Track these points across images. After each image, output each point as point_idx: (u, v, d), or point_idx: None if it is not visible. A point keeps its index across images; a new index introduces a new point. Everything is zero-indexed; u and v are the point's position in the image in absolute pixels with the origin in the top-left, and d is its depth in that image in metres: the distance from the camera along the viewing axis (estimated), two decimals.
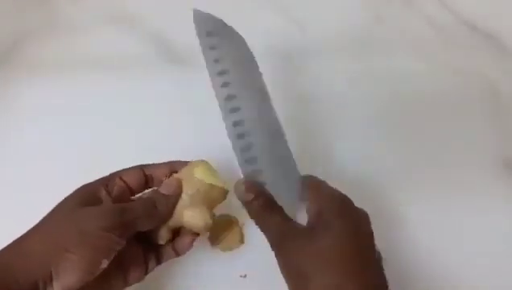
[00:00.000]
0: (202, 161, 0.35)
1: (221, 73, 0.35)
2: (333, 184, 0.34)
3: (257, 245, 0.34)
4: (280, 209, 0.33)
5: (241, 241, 0.40)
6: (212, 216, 0.34)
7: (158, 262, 0.35)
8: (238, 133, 0.34)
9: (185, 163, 0.35)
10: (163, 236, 0.34)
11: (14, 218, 0.31)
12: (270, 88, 0.36)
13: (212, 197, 0.34)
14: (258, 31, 0.56)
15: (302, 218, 0.33)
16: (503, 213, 0.44)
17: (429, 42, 0.57)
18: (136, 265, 0.33)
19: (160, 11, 0.57)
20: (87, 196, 0.32)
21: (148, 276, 0.34)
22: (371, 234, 0.32)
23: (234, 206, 0.35)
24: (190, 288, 0.39)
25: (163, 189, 0.33)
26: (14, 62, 0.52)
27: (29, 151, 0.46)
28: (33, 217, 0.30)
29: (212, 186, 0.34)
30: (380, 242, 0.32)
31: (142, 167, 0.35)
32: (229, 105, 0.34)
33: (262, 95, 0.36)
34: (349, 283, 0.29)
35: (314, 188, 0.34)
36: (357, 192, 0.34)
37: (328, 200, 0.33)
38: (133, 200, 0.34)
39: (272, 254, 0.32)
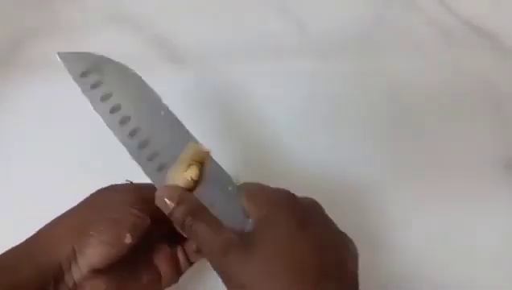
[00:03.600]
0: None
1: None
2: (329, 185, 0.34)
3: None
4: (208, 217, 0.29)
5: None
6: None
7: (189, 261, 0.34)
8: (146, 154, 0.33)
9: None
10: None
11: (15, 219, 0.31)
12: (270, 88, 0.36)
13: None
14: (257, 32, 0.56)
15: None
16: (503, 213, 0.44)
17: (429, 42, 0.57)
18: (167, 263, 0.33)
19: (161, 11, 0.57)
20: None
21: None
22: (322, 223, 0.30)
23: None
24: (190, 288, 0.39)
25: None
26: (14, 62, 0.52)
27: (29, 151, 0.46)
28: (33, 218, 0.30)
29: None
30: (377, 244, 0.32)
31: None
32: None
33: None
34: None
35: (249, 195, 0.31)
36: (353, 194, 0.33)
37: (264, 203, 0.30)
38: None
39: None
